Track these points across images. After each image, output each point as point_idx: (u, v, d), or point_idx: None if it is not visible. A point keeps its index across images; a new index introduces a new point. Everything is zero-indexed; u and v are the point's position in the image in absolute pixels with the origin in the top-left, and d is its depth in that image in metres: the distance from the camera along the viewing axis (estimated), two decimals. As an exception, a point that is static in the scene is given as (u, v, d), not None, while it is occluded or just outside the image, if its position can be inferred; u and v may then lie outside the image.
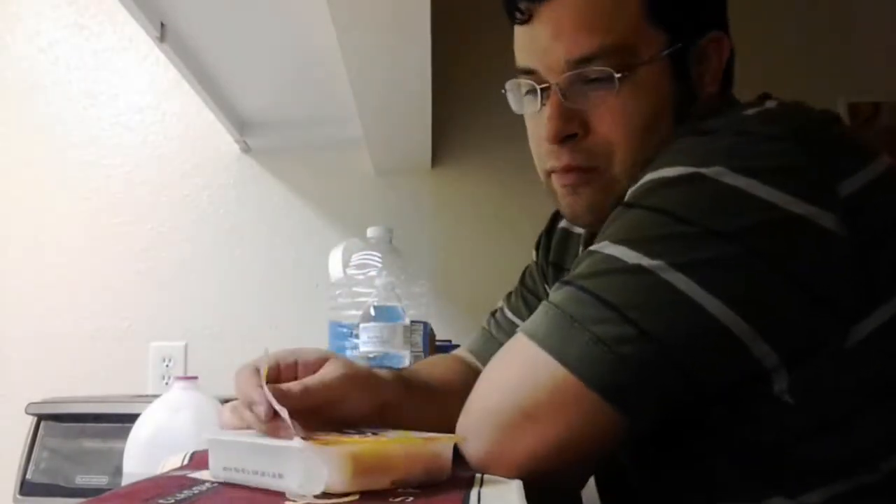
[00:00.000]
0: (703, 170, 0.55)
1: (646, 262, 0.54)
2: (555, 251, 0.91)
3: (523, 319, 0.94)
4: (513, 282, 1.65)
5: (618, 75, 0.63)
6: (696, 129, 0.60)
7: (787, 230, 0.53)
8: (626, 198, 0.60)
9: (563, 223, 0.91)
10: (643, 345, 0.52)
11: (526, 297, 0.96)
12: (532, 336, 0.57)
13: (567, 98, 0.66)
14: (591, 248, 0.58)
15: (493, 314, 0.99)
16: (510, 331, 0.95)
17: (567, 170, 0.68)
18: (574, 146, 0.67)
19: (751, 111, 0.60)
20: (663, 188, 0.57)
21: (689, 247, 0.53)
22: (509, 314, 0.96)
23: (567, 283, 0.58)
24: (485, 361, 0.66)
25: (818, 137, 0.57)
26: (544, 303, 0.59)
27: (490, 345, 0.93)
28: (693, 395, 0.56)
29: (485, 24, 1.72)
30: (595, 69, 0.64)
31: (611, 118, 0.65)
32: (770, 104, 0.61)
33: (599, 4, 0.65)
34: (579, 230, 0.86)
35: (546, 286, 0.93)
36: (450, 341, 1.45)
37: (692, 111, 0.68)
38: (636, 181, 0.60)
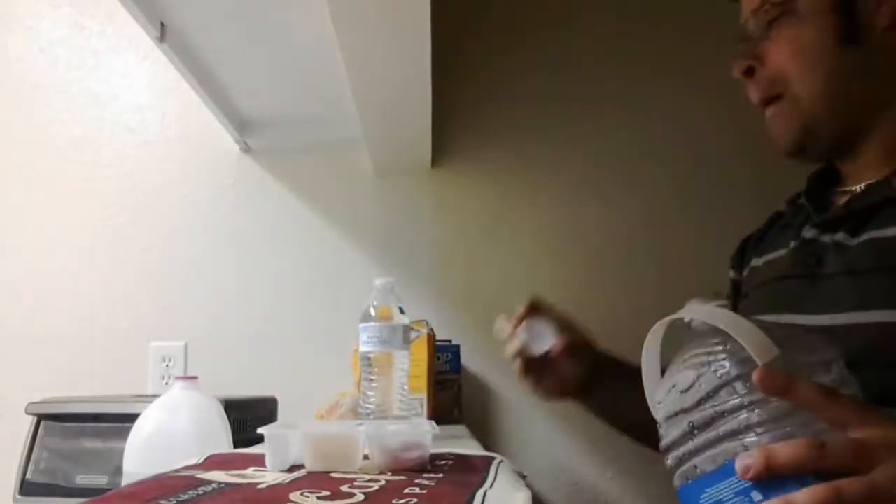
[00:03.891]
0: None
1: None
2: (761, 230, 0.93)
3: None
4: (512, 281, 1.65)
5: (775, 11, 0.75)
6: None
7: None
8: None
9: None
10: None
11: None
12: None
13: (747, 40, 0.78)
14: None
15: None
16: None
17: (760, 103, 0.79)
18: (755, 79, 0.78)
19: None
20: None
21: None
22: None
23: None
24: None
25: None
26: None
27: None
28: None
29: (485, 23, 1.72)
30: (762, 10, 0.76)
31: (781, 48, 0.76)
32: None
33: None
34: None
35: (732, 271, 0.96)
36: (450, 341, 1.45)
37: None
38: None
